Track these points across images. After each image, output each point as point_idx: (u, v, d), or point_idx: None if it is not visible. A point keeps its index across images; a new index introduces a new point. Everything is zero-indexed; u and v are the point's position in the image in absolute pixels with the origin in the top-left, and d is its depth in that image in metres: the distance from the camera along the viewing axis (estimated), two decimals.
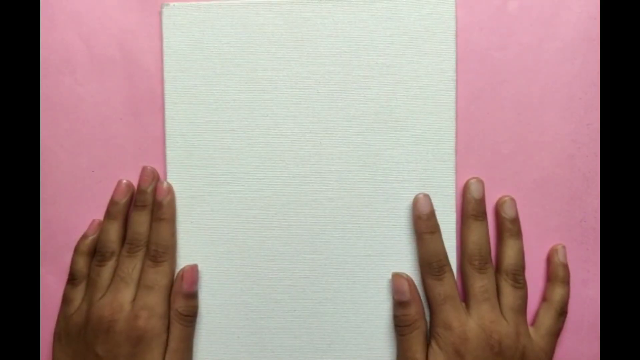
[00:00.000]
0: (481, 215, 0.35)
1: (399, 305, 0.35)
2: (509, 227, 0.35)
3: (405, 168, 0.36)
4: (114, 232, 0.36)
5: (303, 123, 0.36)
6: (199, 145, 0.36)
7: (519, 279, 0.35)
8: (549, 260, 0.36)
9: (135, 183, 0.37)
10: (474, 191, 0.35)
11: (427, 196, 0.35)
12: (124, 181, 0.37)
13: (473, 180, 0.35)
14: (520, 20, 0.36)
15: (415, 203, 0.35)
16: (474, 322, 0.33)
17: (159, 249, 0.35)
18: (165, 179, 0.36)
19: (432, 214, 0.35)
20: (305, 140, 0.36)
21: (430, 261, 0.34)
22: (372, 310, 0.36)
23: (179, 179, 0.36)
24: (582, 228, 0.36)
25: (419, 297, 0.35)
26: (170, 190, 0.36)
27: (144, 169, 0.36)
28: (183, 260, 0.36)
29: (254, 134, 0.36)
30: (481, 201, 0.35)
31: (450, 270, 0.35)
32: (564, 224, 0.36)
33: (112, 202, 0.36)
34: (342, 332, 0.36)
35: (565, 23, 0.36)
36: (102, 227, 0.36)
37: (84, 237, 0.37)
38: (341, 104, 0.36)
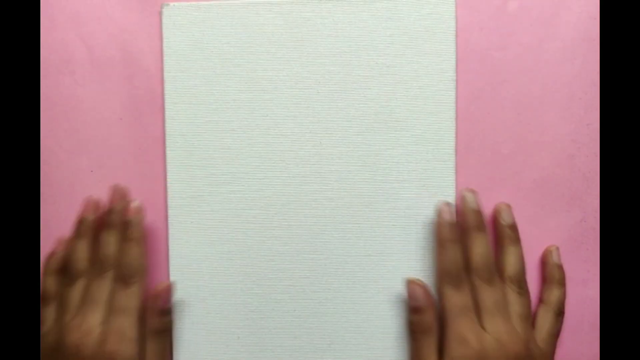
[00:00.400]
0: (482, 226, 0.34)
1: (414, 311, 0.34)
2: (509, 233, 0.35)
3: (405, 168, 0.36)
4: (81, 250, 0.35)
5: (303, 123, 0.36)
6: (199, 145, 0.36)
7: (523, 285, 0.34)
8: (544, 262, 0.36)
9: (134, 185, 0.36)
10: (471, 202, 0.34)
11: (449, 205, 0.34)
12: (92, 197, 0.36)
13: (467, 192, 0.35)
14: (520, 20, 0.36)
15: (439, 211, 0.34)
16: (490, 337, 0.32)
17: (129, 270, 0.34)
18: (165, 179, 0.36)
19: (454, 223, 0.34)
20: (305, 140, 0.36)
21: (449, 269, 0.34)
22: (372, 310, 0.36)
23: (179, 179, 0.36)
24: (582, 228, 0.36)
25: (434, 303, 0.34)
26: (139, 210, 0.35)
27: (113, 188, 0.36)
28: (183, 260, 0.36)
29: (254, 134, 0.36)
30: (479, 212, 0.35)
31: (468, 281, 0.34)
32: (564, 224, 0.36)
33: (80, 220, 0.35)
34: (342, 332, 0.36)
35: (565, 23, 0.36)
36: (70, 246, 0.35)
37: (52, 254, 0.36)
38: (341, 104, 0.36)
